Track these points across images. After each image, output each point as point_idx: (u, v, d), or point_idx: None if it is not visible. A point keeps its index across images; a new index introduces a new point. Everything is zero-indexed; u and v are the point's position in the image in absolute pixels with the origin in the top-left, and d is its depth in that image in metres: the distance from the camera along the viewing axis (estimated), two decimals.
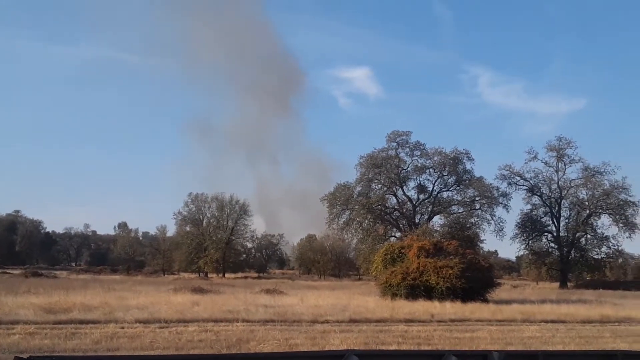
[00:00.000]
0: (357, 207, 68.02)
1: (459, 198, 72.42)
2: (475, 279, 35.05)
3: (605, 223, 76.84)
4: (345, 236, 74.53)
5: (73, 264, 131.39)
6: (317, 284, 63.98)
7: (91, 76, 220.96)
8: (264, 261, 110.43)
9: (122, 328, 17.66)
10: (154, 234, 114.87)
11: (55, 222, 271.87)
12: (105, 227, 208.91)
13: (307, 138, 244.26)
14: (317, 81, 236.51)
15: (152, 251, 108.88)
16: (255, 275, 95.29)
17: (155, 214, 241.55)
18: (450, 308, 27.53)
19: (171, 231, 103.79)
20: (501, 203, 71.12)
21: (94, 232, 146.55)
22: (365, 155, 70.81)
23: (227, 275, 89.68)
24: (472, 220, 71.01)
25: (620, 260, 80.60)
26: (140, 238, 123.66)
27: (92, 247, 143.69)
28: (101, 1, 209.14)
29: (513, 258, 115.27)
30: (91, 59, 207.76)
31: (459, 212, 71.95)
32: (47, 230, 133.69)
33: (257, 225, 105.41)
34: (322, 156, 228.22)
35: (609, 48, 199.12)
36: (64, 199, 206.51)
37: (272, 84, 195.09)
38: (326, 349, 13.98)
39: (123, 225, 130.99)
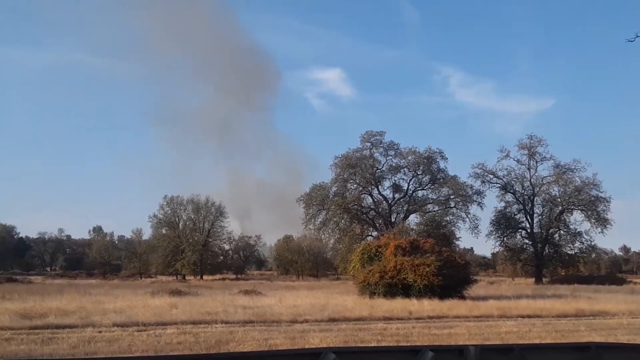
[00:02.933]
0: (333, 207, 68.16)
1: (434, 197, 73.01)
2: (452, 276, 35.37)
3: (577, 219, 78.15)
4: (323, 236, 74.58)
5: (48, 269, 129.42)
6: (296, 284, 63.98)
7: (56, 79, 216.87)
8: (242, 263, 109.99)
9: (100, 332, 17.54)
10: (129, 237, 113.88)
11: (28, 227, 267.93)
12: (79, 232, 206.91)
13: (280, 138, 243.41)
14: (289, 82, 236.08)
15: (128, 255, 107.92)
16: (233, 276, 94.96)
17: (130, 218, 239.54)
18: (428, 305, 27.76)
19: (147, 234, 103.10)
20: (475, 201, 71.86)
21: (68, 236, 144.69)
22: (340, 156, 71.17)
23: (204, 277, 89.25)
24: (448, 218, 71.59)
25: (593, 255, 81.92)
26: (116, 242, 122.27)
27: (67, 252, 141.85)
28: (57, 3, 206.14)
29: (489, 255, 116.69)
30: (53, 62, 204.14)
31: (434, 211, 72.47)
32: (20, 235, 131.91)
33: (232, 226, 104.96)
34: (296, 156, 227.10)
35: (575, 47, 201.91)
36: (37, 204, 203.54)
37: (243, 81, 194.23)
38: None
39: (98, 229, 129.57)
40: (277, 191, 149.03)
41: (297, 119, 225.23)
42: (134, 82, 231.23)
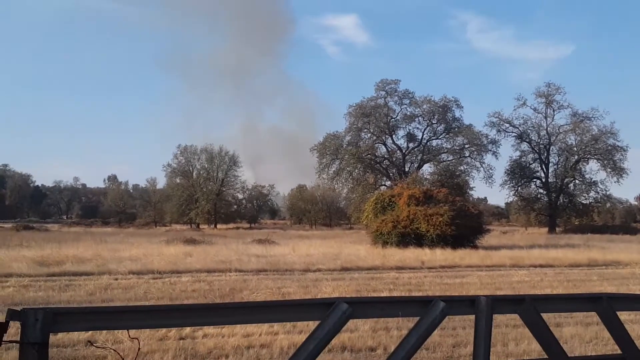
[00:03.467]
0: (346, 156, 68.02)
1: (449, 146, 72.61)
2: (465, 226, 35.42)
3: (593, 168, 77.67)
4: (336, 186, 74.68)
5: (64, 217, 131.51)
6: (309, 233, 64.45)
7: (67, 24, 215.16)
8: (255, 212, 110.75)
9: (116, 279, 17.80)
10: (144, 186, 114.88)
11: (44, 176, 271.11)
12: (94, 180, 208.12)
13: (294, 85, 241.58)
14: (304, 29, 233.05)
15: (143, 203, 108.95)
16: (247, 226, 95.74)
17: (144, 167, 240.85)
18: (441, 255, 27.88)
19: (161, 183, 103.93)
20: (490, 150, 71.45)
21: (83, 185, 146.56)
22: (354, 105, 70.78)
23: (218, 226, 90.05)
24: (462, 167, 71.32)
25: (608, 204, 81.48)
26: (131, 190, 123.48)
27: (82, 200, 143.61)
28: None
29: (502, 204, 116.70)
30: (64, 6, 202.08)
31: (449, 160, 72.15)
32: (36, 184, 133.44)
33: (246, 176, 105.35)
34: (310, 104, 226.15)
35: None
36: (52, 153, 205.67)
37: (257, 27, 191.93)
38: (318, 297, 14.16)
39: (113, 178, 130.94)
40: (291, 139, 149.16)
41: (312, 67, 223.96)
42: (145, 28, 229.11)
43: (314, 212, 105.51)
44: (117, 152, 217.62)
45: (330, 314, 4.12)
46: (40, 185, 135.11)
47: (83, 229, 72.84)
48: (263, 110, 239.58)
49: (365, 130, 71.21)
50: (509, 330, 10.39)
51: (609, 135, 73.34)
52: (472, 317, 4.55)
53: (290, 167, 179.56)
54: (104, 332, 9.00)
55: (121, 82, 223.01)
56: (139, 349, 4.91)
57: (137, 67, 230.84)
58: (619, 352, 5.12)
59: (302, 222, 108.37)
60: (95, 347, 8.05)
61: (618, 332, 5.01)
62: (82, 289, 15.79)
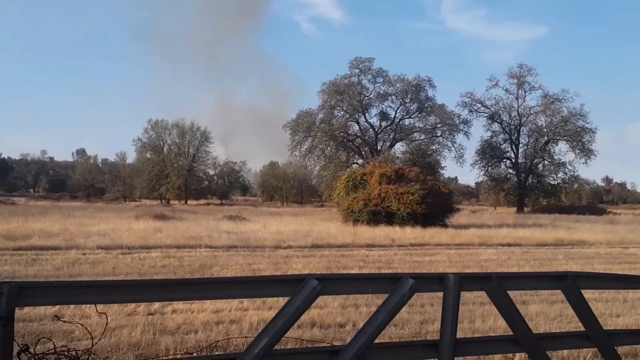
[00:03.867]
0: (319, 134, 68.01)
1: (421, 125, 73.06)
2: (435, 205, 35.78)
3: (562, 149, 79.05)
4: (308, 163, 74.72)
5: (31, 191, 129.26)
6: (280, 210, 64.51)
7: None
8: (227, 188, 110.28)
9: (84, 254, 17.60)
10: (113, 160, 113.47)
11: (10, 148, 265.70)
12: (63, 154, 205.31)
13: (268, 62, 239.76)
14: (280, 5, 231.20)
15: (112, 178, 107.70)
16: (218, 202, 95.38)
17: (114, 141, 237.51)
18: (411, 233, 28.15)
19: (131, 158, 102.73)
20: (462, 130, 72.21)
21: (51, 158, 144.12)
22: (328, 82, 70.70)
23: (189, 202, 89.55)
24: (433, 147, 71.84)
25: (575, 185, 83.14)
26: (100, 165, 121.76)
27: (50, 174, 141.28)
28: None
29: (472, 184, 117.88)
30: None
31: (421, 139, 72.63)
32: (2, 156, 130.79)
33: (218, 152, 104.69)
34: (284, 81, 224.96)
35: None
36: (18, 126, 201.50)
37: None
38: (289, 273, 14.20)
39: (81, 152, 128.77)
40: (264, 116, 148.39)
41: (287, 43, 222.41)
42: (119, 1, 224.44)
43: (286, 189, 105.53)
44: (87, 126, 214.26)
45: (300, 291, 4.12)
46: (6, 157, 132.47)
47: (50, 203, 71.89)
48: (237, 86, 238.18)
49: (338, 108, 71.17)
50: (476, 307, 10.55)
51: (578, 117, 74.62)
52: (440, 294, 4.59)
53: (262, 144, 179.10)
54: (72, 306, 8.93)
55: (92, 53, 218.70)
56: (106, 323, 4.87)
57: (108, 39, 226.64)
58: (583, 329, 5.23)
59: (273, 199, 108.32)
60: (63, 321, 7.98)
61: (582, 310, 5.11)
62: (49, 263, 15.58)
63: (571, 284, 5.07)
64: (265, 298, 9.59)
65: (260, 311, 9.92)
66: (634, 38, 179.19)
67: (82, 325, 5.05)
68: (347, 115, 71.63)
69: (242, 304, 10.31)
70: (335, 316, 9.75)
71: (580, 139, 74.39)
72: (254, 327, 8.92)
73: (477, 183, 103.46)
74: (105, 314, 4.83)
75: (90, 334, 4.69)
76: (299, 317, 4.19)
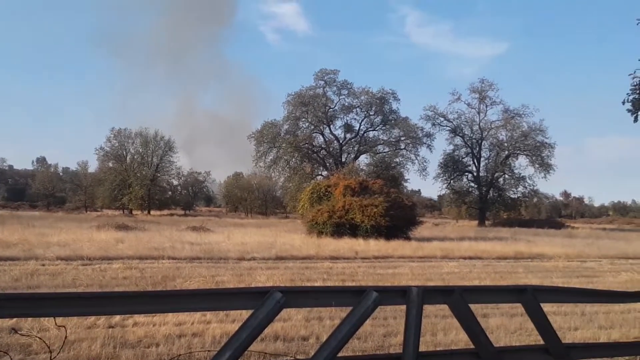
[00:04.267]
0: (284, 145, 67.97)
1: (385, 138, 73.68)
2: (399, 217, 36.02)
3: (522, 164, 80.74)
4: (273, 174, 74.58)
5: None
6: (244, 221, 64.12)
7: None
8: (190, 198, 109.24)
9: (43, 265, 17.22)
10: (74, 169, 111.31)
11: None
12: (22, 162, 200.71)
13: (232, 71, 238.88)
14: (245, 14, 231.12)
15: (73, 187, 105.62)
16: (182, 212, 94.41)
17: (75, 150, 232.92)
18: (374, 245, 28.26)
19: (93, 167, 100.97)
20: (425, 143, 72.93)
21: (10, 166, 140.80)
22: (293, 93, 70.81)
23: (152, 212, 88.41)
24: (397, 159, 72.44)
25: (535, 199, 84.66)
26: (61, 173, 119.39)
27: (8, 182, 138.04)
28: None
29: (435, 197, 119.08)
30: None
31: (385, 152, 73.15)
32: None
33: (182, 162, 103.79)
34: (249, 91, 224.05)
35: None
36: None
37: (195, 8, 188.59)
38: (252, 285, 14.12)
39: (42, 160, 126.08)
40: (229, 125, 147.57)
41: (252, 53, 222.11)
42: (79, 4, 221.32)
43: (250, 200, 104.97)
44: (47, 134, 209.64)
45: (263, 303, 4.11)
46: None
47: (9, 212, 70.10)
48: (200, 94, 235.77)
49: (303, 119, 71.28)
50: (438, 320, 10.63)
51: (537, 132, 76.22)
52: (403, 307, 4.63)
53: (226, 153, 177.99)
54: (29, 319, 8.72)
55: (51, 58, 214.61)
56: (65, 337, 4.78)
57: (69, 42, 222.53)
58: (542, 342, 5.32)
59: (237, 210, 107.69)
60: (20, 334, 7.79)
61: (541, 323, 5.21)
62: (7, 274, 15.21)
63: (531, 298, 5.17)
64: (229, 311, 9.53)
65: (223, 324, 9.84)
66: (591, 54, 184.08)
67: (40, 338, 4.94)
68: (312, 127, 71.82)
69: (204, 316, 10.21)
70: (299, 329, 9.72)
71: (540, 154, 75.91)
72: (217, 340, 8.84)
73: (439, 196, 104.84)
74: (64, 326, 4.75)
75: (49, 347, 4.61)
76: (262, 330, 4.19)
